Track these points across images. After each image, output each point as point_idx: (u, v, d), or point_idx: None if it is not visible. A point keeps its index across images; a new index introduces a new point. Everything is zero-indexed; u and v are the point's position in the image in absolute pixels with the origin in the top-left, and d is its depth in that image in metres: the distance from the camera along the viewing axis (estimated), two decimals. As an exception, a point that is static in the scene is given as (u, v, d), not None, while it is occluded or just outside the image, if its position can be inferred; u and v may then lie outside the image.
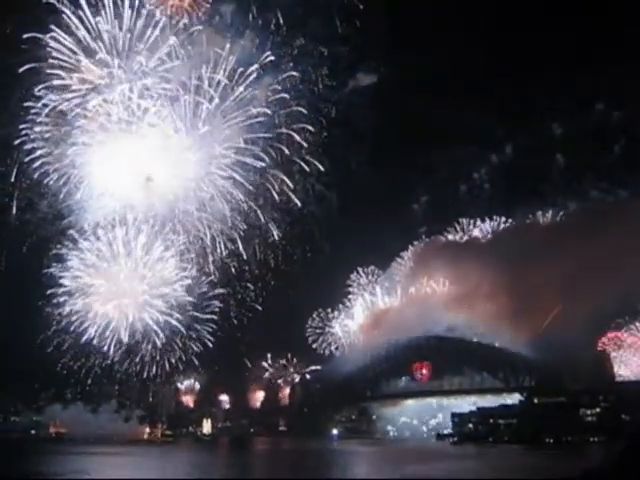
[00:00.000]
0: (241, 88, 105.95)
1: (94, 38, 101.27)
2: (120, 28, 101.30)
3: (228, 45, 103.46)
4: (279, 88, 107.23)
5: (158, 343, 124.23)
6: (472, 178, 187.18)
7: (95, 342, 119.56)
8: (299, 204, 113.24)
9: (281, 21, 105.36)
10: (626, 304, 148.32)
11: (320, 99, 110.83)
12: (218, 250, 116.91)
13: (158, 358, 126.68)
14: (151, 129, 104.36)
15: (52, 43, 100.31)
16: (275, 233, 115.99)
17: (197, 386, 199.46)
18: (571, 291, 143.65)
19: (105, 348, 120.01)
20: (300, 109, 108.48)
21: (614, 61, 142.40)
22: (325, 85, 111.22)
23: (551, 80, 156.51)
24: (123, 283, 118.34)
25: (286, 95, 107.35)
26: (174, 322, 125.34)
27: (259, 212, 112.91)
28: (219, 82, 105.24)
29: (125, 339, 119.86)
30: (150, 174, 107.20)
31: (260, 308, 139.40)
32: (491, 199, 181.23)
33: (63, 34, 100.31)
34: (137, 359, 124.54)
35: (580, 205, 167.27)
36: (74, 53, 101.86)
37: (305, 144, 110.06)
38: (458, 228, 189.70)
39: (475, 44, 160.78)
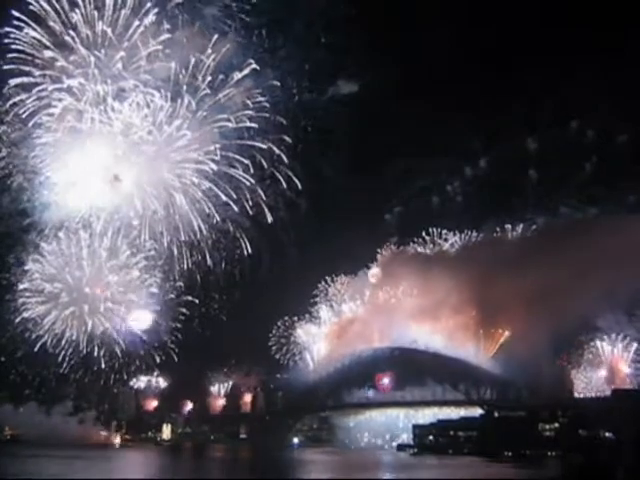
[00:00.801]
0: (220, 93, 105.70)
1: (69, 32, 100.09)
2: (99, 23, 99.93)
3: (209, 48, 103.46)
4: (257, 93, 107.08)
5: (117, 351, 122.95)
6: (445, 190, 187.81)
7: (51, 348, 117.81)
8: (269, 218, 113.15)
9: (263, 25, 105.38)
10: (587, 321, 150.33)
11: (298, 105, 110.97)
12: (184, 256, 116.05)
13: (117, 365, 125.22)
14: (123, 130, 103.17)
15: (20, 35, 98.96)
16: (243, 240, 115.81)
17: (158, 390, 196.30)
18: (535, 306, 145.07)
19: (62, 353, 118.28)
20: (277, 116, 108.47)
21: (596, 77, 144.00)
22: (304, 91, 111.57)
23: (531, 94, 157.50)
24: (84, 288, 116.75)
25: (264, 100, 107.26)
26: (135, 330, 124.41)
27: (227, 218, 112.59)
28: (198, 86, 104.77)
29: (83, 344, 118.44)
30: (118, 174, 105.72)
31: (224, 315, 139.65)
32: (463, 212, 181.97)
33: (34, 26, 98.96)
34: (94, 366, 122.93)
35: (548, 221, 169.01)
36: (46, 47, 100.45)
37: (277, 151, 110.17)
38: (428, 239, 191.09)
39: (456, 56, 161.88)
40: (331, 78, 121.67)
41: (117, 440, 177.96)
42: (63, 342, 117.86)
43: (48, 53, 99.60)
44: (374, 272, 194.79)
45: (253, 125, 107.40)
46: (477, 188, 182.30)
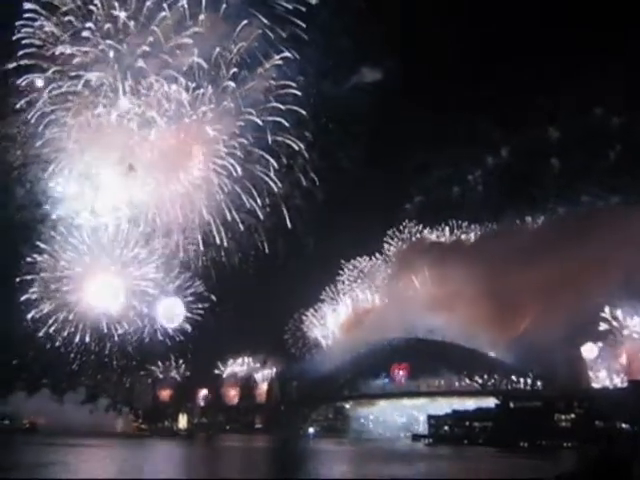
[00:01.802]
0: (242, 84, 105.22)
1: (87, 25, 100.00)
2: (121, 13, 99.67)
3: (233, 38, 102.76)
4: (279, 84, 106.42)
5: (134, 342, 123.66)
6: (466, 180, 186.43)
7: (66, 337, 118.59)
8: (285, 209, 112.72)
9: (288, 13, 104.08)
10: (605, 311, 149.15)
11: (318, 95, 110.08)
12: (200, 246, 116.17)
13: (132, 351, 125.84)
14: (140, 122, 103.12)
15: (35, 28, 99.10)
16: (259, 231, 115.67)
17: (174, 380, 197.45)
18: (552, 297, 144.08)
19: (76, 342, 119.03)
20: (296, 106, 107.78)
21: (618, 63, 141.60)
22: (325, 80, 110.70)
23: (552, 82, 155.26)
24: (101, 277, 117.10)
25: (285, 91, 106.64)
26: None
27: (244, 208, 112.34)
28: (220, 76, 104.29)
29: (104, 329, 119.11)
30: (132, 164, 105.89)
31: (240, 305, 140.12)
32: (483, 202, 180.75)
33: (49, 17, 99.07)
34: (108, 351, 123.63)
35: (569, 210, 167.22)
36: (62, 42, 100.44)
37: (296, 141, 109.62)
38: (447, 229, 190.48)
39: (476, 44, 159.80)
40: (354, 67, 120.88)
41: (133, 429, 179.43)
42: (79, 330, 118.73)
43: (65, 47, 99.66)
44: (391, 261, 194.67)
45: (273, 117, 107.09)
46: (498, 178, 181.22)
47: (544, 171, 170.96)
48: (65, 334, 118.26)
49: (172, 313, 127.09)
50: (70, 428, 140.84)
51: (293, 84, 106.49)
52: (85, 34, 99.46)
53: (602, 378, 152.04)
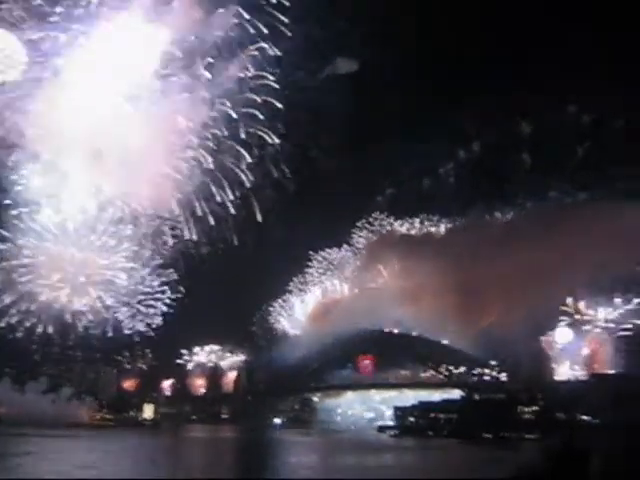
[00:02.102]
0: (215, 71, 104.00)
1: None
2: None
3: (206, 23, 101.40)
4: (253, 74, 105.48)
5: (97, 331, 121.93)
6: (438, 173, 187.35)
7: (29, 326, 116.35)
8: (254, 198, 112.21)
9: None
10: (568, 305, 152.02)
11: (291, 84, 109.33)
12: (168, 235, 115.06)
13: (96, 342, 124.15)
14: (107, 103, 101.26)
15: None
16: (228, 220, 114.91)
17: (139, 369, 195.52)
18: (518, 290, 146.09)
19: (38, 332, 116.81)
20: (269, 96, 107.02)
21: (591, 60, 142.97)
22: (299, 69, 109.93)
23: (525, 77, 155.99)
24: (66, 267, 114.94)
25: (258, 79, 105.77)
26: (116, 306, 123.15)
27: (215, 192, 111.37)
28: (193, 63, 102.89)
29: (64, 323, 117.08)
30: (99, 149, 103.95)
31: (207, 294, 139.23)
32: (454, 195, 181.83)
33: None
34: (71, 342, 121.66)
35: (538, 205, 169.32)
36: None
37: (267, 131, 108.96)
38: (417, 222, 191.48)
39: (450, 38, 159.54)
40: (328, 58, 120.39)
41: (97, 419, 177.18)
42: (42, 321, 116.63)
43: (32, 32, 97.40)
44: (359, 253, 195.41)
45: (247, 109, 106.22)
46: (469, 172, 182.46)
47: (515, 166, 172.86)
48: (27, 325, 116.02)
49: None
50: (31, 418, 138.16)
51: (267, 75, 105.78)
52: (54, 19, 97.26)
53: (564, 371, 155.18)
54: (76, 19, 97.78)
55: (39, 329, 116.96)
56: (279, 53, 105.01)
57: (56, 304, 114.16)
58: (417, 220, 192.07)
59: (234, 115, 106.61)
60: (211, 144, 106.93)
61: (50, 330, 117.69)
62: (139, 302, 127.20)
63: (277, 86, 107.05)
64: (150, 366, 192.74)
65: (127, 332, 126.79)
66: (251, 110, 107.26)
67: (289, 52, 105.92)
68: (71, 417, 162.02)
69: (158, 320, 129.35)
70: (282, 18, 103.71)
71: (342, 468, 66.30)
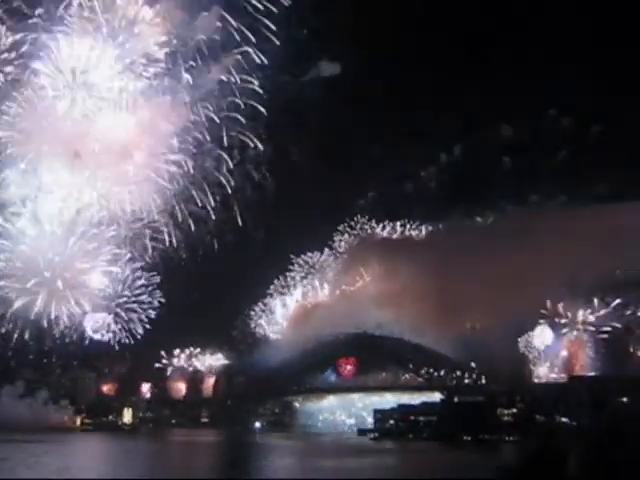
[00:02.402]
0: (196, 74, 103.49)
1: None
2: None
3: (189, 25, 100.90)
4: (235, 71, 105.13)
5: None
6: (419, 177, 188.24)
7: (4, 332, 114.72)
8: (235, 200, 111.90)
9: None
10: (547, 308, 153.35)
11: (273, 87, 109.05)
12: (147, 238, 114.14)
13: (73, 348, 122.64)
14: (83, 100, 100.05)
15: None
16: (208, 222, 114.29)
17: (118, 373, 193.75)
18: (498, 294, 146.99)
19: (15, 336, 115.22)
20: (250, 99, 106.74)
21: (571, 64, 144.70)
22: (282, 72, 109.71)
23: (506, 82, 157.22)
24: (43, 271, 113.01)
25: (240, 82, 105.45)
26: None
27: (195, 195, 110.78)
28: (175, 64, 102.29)
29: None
30: (78, 150, 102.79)
31: (187, 297, 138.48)
32: (435, 199, 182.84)
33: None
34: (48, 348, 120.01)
35: (518, 208, 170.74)
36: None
37: (248, 134, 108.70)
38: (398, 225, 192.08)
39: (433, 42, 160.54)
40: (310, 60, 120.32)
41: (77, 424, 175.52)
42: (17, 327, 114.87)
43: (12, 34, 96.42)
44: (340, 256, 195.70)
45: (229, 112, 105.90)
46: (450, 175, 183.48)
47: (495, 170, 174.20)
48: (2, 331, 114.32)
49: (100, 326, 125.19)
50: (7, 423, 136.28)
51: (250, 78, 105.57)
52: (34, 20, 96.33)
53: (544, 373, 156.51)
54: (57, 20, 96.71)
55: (15, 335, 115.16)
56: (262, 56, 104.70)
57: (32, 309, 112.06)
58: (398, 224, 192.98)
59: (216, 118, 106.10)
60: (192, 147, 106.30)
61: (26, 336, 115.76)
62: (117, 306, 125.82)
63: (259, 89, 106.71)
64: (129, 370, 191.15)
65: (106, 337, 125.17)
66: (232, 113, 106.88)
67: (272, 55, 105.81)
68: (49, 421, 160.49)
69: (137, 325, 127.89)
70: (265, 21, 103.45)
71: (322, 470, 66.31)
